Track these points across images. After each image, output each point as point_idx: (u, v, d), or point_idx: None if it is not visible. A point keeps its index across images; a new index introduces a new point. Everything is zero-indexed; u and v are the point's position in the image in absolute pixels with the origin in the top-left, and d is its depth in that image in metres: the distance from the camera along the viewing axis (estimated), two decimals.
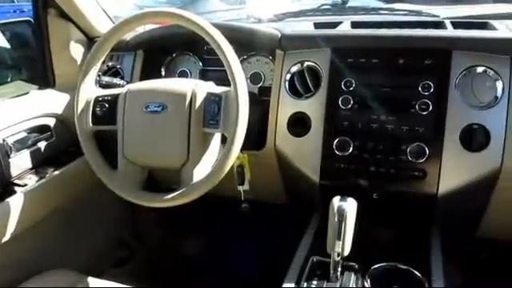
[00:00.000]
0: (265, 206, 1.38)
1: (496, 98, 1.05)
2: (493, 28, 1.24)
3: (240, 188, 1.23)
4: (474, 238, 1.29)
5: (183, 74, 1.41)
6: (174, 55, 1.43)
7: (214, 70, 1.37)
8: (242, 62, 1.28)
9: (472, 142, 1.06)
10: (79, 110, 1.07)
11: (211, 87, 1.02)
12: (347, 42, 1.22)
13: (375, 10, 1.57)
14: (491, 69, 1.06)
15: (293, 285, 0.99)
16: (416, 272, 1.00)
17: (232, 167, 1.03)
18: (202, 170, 0.99)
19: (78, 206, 1.43)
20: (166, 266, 1.76)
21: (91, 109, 1.07)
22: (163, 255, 1.81)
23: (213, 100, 0.98)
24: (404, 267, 1.01)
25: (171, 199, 0.98)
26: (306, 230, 1.21)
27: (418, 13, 1.46)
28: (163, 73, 1.43)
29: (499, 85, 1.06)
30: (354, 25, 1.40)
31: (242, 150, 1.00)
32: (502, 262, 1.58)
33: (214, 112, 0.98)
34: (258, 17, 1.62)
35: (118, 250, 1.69)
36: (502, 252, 1.53)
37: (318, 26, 1.42)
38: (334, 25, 1.38)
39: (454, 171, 1.08)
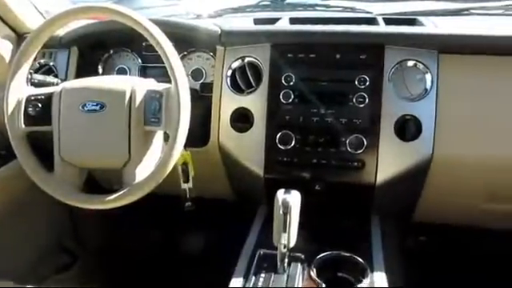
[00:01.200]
0: (211, 203, 1.38)
1: (426, 89, 1.11)
2: (421, 24, 1.31)
3: (185, 186, 1.22)
4: (410, 223, 1.36)
5: (122, 72, 1.36)
6: (112, 52, 1.38)
7: (153, 66, 1.34)
8: (182, 58, 1.27)
9: (405, 133, 1.12)
10: (9, 110, 1.01)
11: (151, 84, 1.00)
12: (286, 37, 1.24)
13: (312, 7, 1.61)
14: (420, 62, 1.12)
15: (241, 278, 1.00)
16: (359, 258, 1.03)
17: (175, 165, 1.02)
18: (144, 169, 0.97)
19: (14, 211, 1.35)
20: (110, 270, 1.71)
21: (23, 109, 1.01)
22: (107, 259, 1.76)
23: (153, 97, 0.97)
24: (347, 255, 1.05)
25: (113, 200, 0.95)
26: (252, 224, 1.23)
27: (353, 9, 1.52)
28: (100, 70, 1.38)
29: (428, 77, 1.12)
30: (293, 21, 1.42)
31: (185, 147, 0.99)
32: (438, 243, 1.68)
33: (155, 109, 0.96)
34: (197, 13, 1.61)
35: (60, 256, 1.62)
36: (436, 234, 1.63)
37: (257, 21, 1.44)
38: (273, 21, 1.40)
39: (390, 160, 1.13)
